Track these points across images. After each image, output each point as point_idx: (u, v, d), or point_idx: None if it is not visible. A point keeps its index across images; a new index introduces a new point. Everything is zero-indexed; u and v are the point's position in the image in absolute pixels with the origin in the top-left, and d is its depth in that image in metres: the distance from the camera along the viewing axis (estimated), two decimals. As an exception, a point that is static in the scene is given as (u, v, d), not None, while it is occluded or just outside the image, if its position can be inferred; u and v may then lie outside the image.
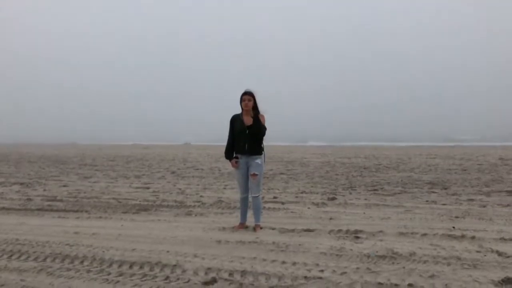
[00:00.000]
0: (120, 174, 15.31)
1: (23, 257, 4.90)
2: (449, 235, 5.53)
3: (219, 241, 5.42)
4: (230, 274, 4.18)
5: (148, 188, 11.32)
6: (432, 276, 4.01)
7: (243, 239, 5.47)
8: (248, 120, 5.84)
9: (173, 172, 16.00)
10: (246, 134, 5.90)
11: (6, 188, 11.50)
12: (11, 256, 4.96)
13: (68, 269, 4.45)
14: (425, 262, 4.48)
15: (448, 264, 4.39)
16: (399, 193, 9.78)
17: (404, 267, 4.30)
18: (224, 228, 6.20)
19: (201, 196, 9.70)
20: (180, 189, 11.03)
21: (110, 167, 18.91)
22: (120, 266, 4.51)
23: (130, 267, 4.48)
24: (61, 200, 9.27)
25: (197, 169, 17.55)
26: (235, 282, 3.98)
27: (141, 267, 4.45)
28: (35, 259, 4.82)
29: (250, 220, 6.25)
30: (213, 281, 4.03)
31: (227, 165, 17.81)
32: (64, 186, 11.86)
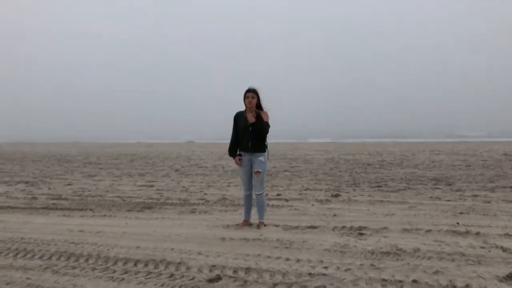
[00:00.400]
0: (124, 173, 15.35)
1: (28, 256, 4.93)
2: (454, 231, 5.52)
3: (223, 239, 5.43)
4: (235, 271, 4.19)
5: (152, 186, 11.34)
6: (436, 272, 4.01)
7: (247, 237, 5.48)
8: (251, 118, 5.84)
9: (177, 170, 16.03)
10: (249, 132, 5.89)
11: (11, 187, 11.55)
12: (16, 254, 4.99)
13: (73, 267, 4.47)
14: (429, 258, 4.47)
15: (453, 260, 4.38)
16: (403, 190, 9.77)
17: (408, 263, 4.30)
18: (228, 226, 6.21)
19: (205, 193, 9.72)
20: (184, 187, 11.05)
21: (114, 165, 18.97)
22: (125, 264, 4.53)
23: (135, 264, 4.49)
24: (65, 199, 9.31)
25: (201, 167, 17.57)
26: (239, 279, 3.99)
27: (145, 265, 4.47)
28: (41, 258, 4.84)
29: (254, 218, 6.26)
30: (218, 278, 4.04)
31: (231, 163, 17.82)
32: (69, 184, 11.91)
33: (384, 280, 3.86)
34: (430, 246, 4.90)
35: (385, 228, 5.81)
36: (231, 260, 4.53)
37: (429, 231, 5.59)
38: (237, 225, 6.22)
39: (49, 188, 11.11)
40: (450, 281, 3.80)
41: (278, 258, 4.58)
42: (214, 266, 4.35)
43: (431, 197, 8.60)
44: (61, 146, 49.31)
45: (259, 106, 6.01)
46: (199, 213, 7.43)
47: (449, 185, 10.42)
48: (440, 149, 28.80)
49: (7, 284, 4.05)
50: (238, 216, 6.84)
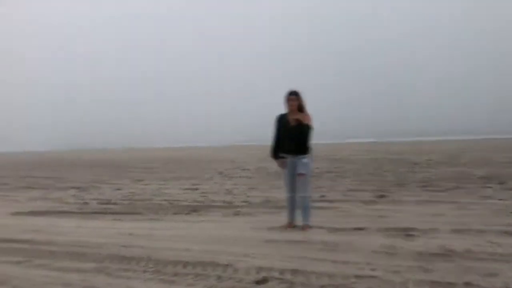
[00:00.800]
0: (170, 176, 15.69)
1: (82, 258, 5.14)
2: (507, 232, 5.32)
3: (268, 241, 5.47)
4: (281, 273, 4.22)
5: (197, 189, 11.54)
6: (490, 274, 3.88)
7: (292, 239, 5.50)
8: (293, 120, 5.86)
9: (220, 173, 16.22)
10: (292, 134, 5.91)
11: (63, 192, 12.07)
12: (71, 257, 5.22)
13: (126, 270, 4.63)
14: (482, 259, 4.33)
15: (507, 262, 4.22)
16: (452, 189, 9.47)
17: (459, 265, 4.18)
18: (272, 228, 6.24)
19: (248, 196, 9.79)
20: (227, 189, 11.18)
21: (158, 169, 19.42)
22: (174, 266, 4.65)
23: (184, 267, 4.60)
24: (115, 203, 9.63)
25: (244, 169, 17.69)
26: (286, 281, 4.01)
27: (194, 267, 4.57)
28: (94, 260, 5.04)
29: (298, 220, 6.25)
30: (265, 280, 4.07)
31: (274, 165, 17.85)
32: (118, 189, 12.30)
33: (433, 282, 3.78)
34: (483, 247, 4.74)
35: (434, 228, 5.66)
36: (277, 262, 4.55)
37: (480, 231, 5.41)
38: (281, 227, 6.24)
39: (99, 193, 11.53)
40: (506, 283, 3.67)
41: (324, 260, 4.57)
42: (260, 268, 4.40)
43: (482, 196, 8.29)
44: (107, 152, 50.94)
45: (301, 108, 6.01)
46: (243, 215, 7.51)
47: (501, 183, 10.00)
48: (489, 146, 27.70)
49: (66, 285, 4.26)
50: (282, 218, 6.83)
